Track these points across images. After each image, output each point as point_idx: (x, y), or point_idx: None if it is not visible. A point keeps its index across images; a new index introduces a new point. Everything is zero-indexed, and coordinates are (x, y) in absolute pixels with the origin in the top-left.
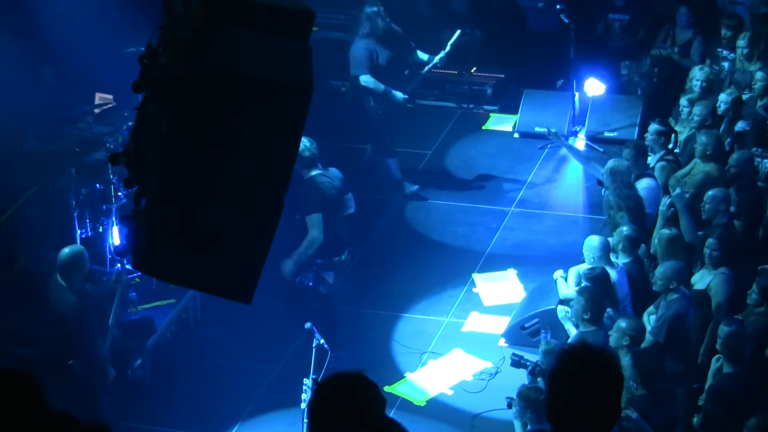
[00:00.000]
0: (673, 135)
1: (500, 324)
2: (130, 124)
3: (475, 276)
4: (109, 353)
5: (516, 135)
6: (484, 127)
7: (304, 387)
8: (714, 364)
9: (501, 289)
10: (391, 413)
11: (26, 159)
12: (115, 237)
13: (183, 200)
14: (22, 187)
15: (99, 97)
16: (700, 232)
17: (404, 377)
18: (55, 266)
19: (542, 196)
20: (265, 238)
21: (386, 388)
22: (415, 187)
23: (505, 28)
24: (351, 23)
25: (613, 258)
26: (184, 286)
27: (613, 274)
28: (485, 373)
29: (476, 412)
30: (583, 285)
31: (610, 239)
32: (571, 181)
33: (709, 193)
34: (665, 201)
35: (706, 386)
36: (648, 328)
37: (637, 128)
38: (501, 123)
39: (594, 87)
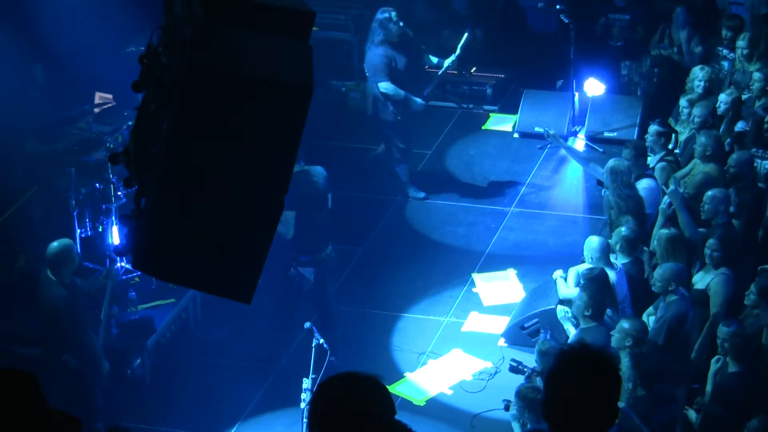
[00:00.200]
0: (673, 135)
1: (500, 324)
2: (130, 123)
3: (475, 276)
4: (102, 347)
5: (516, 135)
6: (483, 127)
7: (303, 387)
8: (713, 366)
9: (501, 289)
10: None
11: (26, 159)
12: (115, 236)
13: (183, 200)
14: (22, 187)
15: (99, 97)
16: (701, 229)
17: (404, 377)
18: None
19: (542, 196)
20: (265, 238)
21: None
22: (422, 194)
23: (505, 29)
24: (351, 23)
25: (612, 259)
26: (184, 285)
27: (612, 275)
28: (485, 373)
29: (476, 411)
30: (583, 284)
31: (609, 240)
32: (570, 181)
33: (709, 193)
34: (665, 200)
35: (708, 387)
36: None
37: (636, 128)
38: (501, 123)
39: (594, 87)
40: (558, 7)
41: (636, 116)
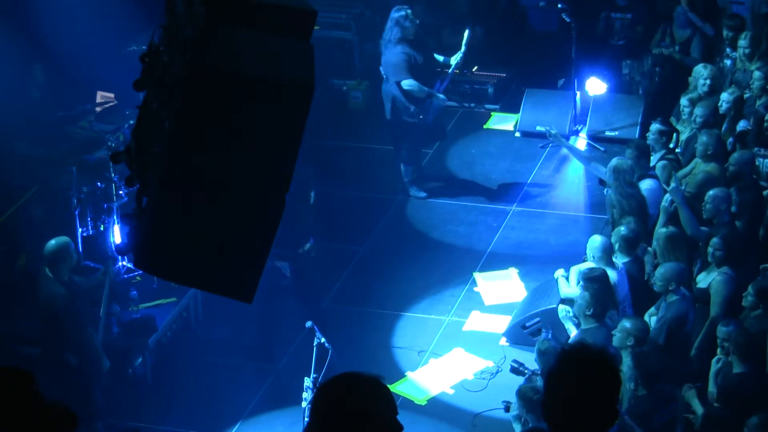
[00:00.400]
0: (675, 134)
1: (501, 323)
2: (132, 122)
3: (476, 275)
4: (102, 344)
5: (517, 134)
6: (485, 126)
7: (304, 386)
8: (714, 366)
9: (502, 288)
10: None
11: (22, 159)
12: (116, 235)
13: (184, 199)
14: (23, 186)
15: (100, 96)
16: (703, 228)
17: (405, 376)
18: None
19: (544, 195)
20: (266, 237)
21: None
22: (423, 194)
23: (506, 28)
24: (352, 22)
25: (614, 258)
26: (186, 284)
27: (613, 274)
28: (486, 372)
29: (477, 411)
30: (584, 284)
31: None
32: (572, 180)
33: (710, 193)
34: (667, 197)
35: (710, 387)
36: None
37: (638, 127)
38: (502, 122)
39: (595, 86)
40: (559, 6)
41: (637, 115)
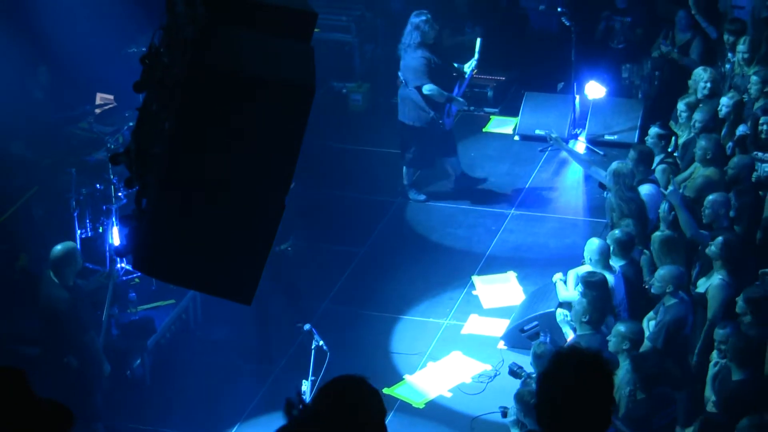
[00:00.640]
0: (673, 138)
1: (499, 327)
2: (132, 124)
3: (475, 278)
4: (103, 348)
5: (516, 137)
6: (484, 130)
7: (302, 389)
8: (712, 369)
9: (500, 292)
10: (390, 415)
11: (22, 160)
12: (115, 237)
13: (184, 200)
14: (23, 187)
15: (100, 97)
16: (703, 231)
17: (403, 379)
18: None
19: (543, 198)
20: (265, 239)
21: (385, 390)
22: (422, 197)
23: (506, 30)
24: (353, 25)
25: (611, 262)
26: (184, 286)
27: (610, 278)
28: (484, 375)
29: (475, 414)
30: (582, 290)
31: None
32: (571, 184)
33: (709, 197)
34: (664, 206)
35: (707, 391)
36: (647, 333)
37: (637, 131)
38: (501, 125)
39: (595, 90)
40: (559, 9)
41: (637, 119)
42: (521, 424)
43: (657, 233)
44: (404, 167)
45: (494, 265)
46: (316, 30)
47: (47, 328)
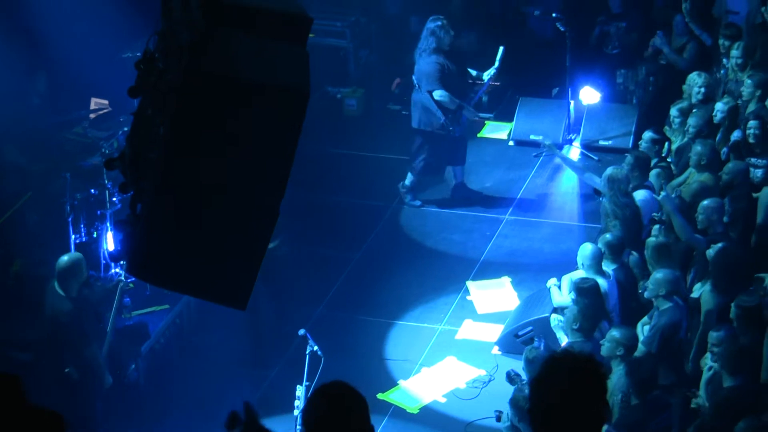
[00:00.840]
0: (666, 143)
1: (494, 332)
2: (126, 129)
3: (470, 283)
4: (106, 360)
5: (511, 143)
6: (479, 135)
7: (297, 394)
8: (706, 374)
9: (495, 297)
10: (384, 420)
11: (16, 165)
12: (110, 242)
13: (178, 205)
14: (18, 192)
15: (95, 102)
16: (698, 236)
17: (397, 384)
18: (53, 272)
19: (537, 203)
20: (260, 244)
21: (379, 396)
22: (417, 203)
23: (501, 36)
24: (348, 30)
25: (605, 267)
26: (179, 291)
27: (603, 283)
28: (478, 381)
29: (469, 419)
30: (574, 297)
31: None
32: (566, 189)
33: (703, 203)
34: (658, 214)
35: (701, 395)
36: (641, 338)
37: (632, 137)
38: (496, 131)
39: (589, 95)
40: (554, 15)
41: (631, 125)
42: (516, 429)
43: (651, 239)
44: (409, 172)
45: (489, 270)
46: (311, 35)
47: (50, 338)
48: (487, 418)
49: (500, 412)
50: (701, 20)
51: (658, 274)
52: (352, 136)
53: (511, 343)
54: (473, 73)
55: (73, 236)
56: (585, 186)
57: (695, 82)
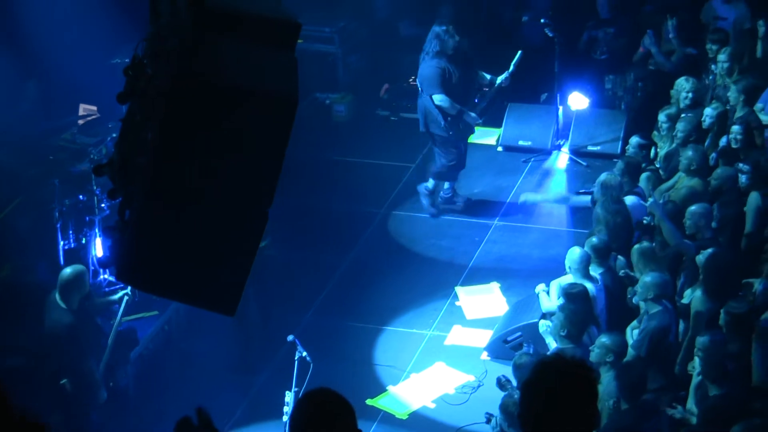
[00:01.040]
0: (653, 148)
1: (483, 337)
2: (115, 135)
3: (458, 289)
4: (102, 376)
5: (500, 148)
6: (468, 141)
7: (286, 400)
8: (695, 378)
9: (484, 303)
10: (373, 426)
11: (5, 171)
12: (98, 248)
13: (167, 211)
14: (6, 197)
15: (83, 108)
16: (687, 241)
17: (386, 390)
18: (42, 279)
19: (526, 209)
20: (249, 250)
21: (368, 401)
22: (433, 210)
23: (490, 41)
24: (336, 36)
25: (592, 272)
26: (168, 298)
27: (591, 288)
28: (467, 386)
29: (458, 425)
30: (561, 303)
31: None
32: (555, 195)
33: (690, 209)
34: (648, 219)
35: (689, 402)
36: (630, 342)
37: (620, 142)
38: (485, 136)
39: (578, 101)
40: (542, 20)
41: (620, 130)
42: None
43: (636, 245)
44: (430, 178)
45: (478, 276)
46: (299, 41)
47: (48, 350)
48: (477, 424)
49: (491, 414)
50: (687, 34)
51: (647, 278)
52: (341, 142)
53: (500, 349)
54: (487, 77)
55: (61, 242)
56: (573, 191)
57: (683, 87)
